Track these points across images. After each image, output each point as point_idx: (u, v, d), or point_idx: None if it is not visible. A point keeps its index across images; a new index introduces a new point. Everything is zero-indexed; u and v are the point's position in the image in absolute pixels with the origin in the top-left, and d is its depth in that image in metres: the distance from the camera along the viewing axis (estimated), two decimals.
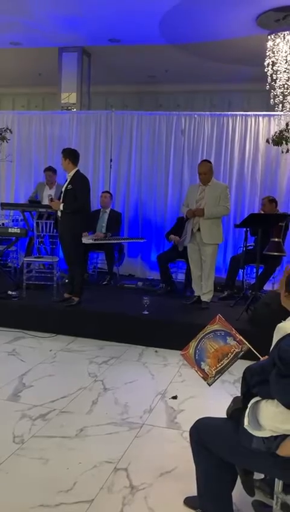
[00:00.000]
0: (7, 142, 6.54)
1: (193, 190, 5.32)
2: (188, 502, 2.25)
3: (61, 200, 5.05)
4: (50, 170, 6.71)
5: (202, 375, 2.11)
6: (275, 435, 1.75)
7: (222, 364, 2.06)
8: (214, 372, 2.07)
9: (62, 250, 5.39)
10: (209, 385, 2.09)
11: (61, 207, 5.02)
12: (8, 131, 6.44)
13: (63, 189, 5.09)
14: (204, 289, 5.25)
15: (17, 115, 7.65)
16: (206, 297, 5.25)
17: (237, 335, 2.09)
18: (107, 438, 2.88)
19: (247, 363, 1.94)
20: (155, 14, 6.67)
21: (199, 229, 5.13)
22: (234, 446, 1.88)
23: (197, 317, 4.85)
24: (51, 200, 5.32)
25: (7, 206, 6.58)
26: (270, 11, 6.31)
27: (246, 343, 2.06)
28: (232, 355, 2.05)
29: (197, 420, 2.09)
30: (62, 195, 5.07)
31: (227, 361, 2.05)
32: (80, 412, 3.19)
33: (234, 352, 2.05)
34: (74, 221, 5.01)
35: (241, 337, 2.08)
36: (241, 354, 2.05)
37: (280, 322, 1.88)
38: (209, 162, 5.35)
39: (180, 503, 2.28)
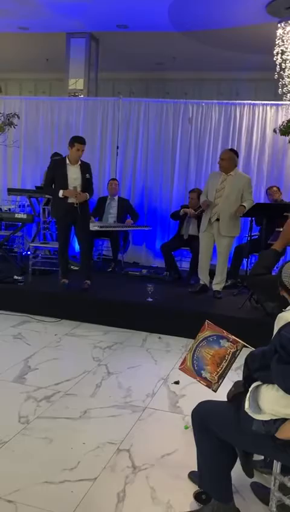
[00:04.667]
0: (14, 127, 6.55)
1: (214, 178, 5.19)
2: (192, 476, 2.34)
3: (80, 190, 5.03)
4: (57, 156, 6.72)
5: (205, 384, 2.12)
6: (274, 418, 1.80)
7: (221, 367, 2.08)
8: (216, 377, 2.09)
9: (79, 238, 5.36)
10: (215, 391, 2.11)
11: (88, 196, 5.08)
12: (16, 116, 6.45)
13: (81, 179, 5.04)
14: (217, 279, 5.24)
15: (24, 100, 7.65)
16: (218, 287, 5.24)
17: (230, 336, 2.10)
18: (111, 420, 2.95)
19: (249, 351, 1.98)
20: (164, 1, 6.62)
21: (217, 219, 5.04)
22: (235, 428, 1.93)
23: (201, 305, 4.91)
24: (77, 193, 5.01)
25: (14, 192, 6.63)
26: None
27: (240, 341, 2.08)
28: (229, 357, 2.07)
29: (199, 403, 2.14)
30: (81, 185, 5.03)
31: (226, 363, 2.07)
32: (84, 395, 3.26)
33: (231, 352, 2.07)
34: (88, 209, 5.26)
35: (234, 337, 2.09)
36: (238, 353, 2.07)
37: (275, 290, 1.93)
38: (233, 151, 5.21)
39: (181, 483, 2.35)
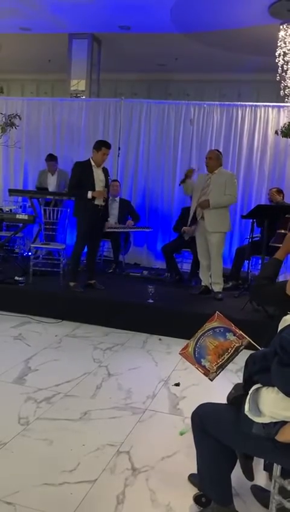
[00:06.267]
0: (16, 128, 6.56)
1: (201, 179, 5.31)
2: (192, 478, 2.33)
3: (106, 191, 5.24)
4: (52, 159, 6.75)
5: (203, 371, 2.11)
6: (274, 421, 1.79)
7: (223, 359, 2.07)
8: (215, 367, 2.08)
9: (94, 239, 5.37)
10: (211, 380, 2.10)
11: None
12: (17, 117, 6.45)
13: (105, 181, 5.23)
14: (214, 279, 5.26)
15: (26, 101, 7.66)
16: (217, 287, 5.25)
17: (237, 330, 2.09)
18: (111, 421, 2.94)
19: (249, 353, 1.97)
20: (166, 2, 6.63)
21: (202, 217, 5.14)
22: (235, 431, 1.92)
23: (202, 306, 4.90)
24: (105, 195, 5.27)
25: (15, 193, 6.63)
26: (283, 0, 6.24)
27: (246, 337, 2.07)
28: (232, 350, 2.06)
29: (199, 405, 2.13)
30: (104, 187, 5.20)
31: (228, 356, 2.06)
32: (84, 396, 3.25)
33: (235, 346, 2.06)
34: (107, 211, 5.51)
35: (241, 332, 2.08)
36: (241, 348, 2.06)
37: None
38: (217, 151, 5.35)
39: (181, 485, 2.34)
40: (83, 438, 2.72)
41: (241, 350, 2.06)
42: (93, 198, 5.08)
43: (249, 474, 2.12)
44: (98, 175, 5.17)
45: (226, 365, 2.07)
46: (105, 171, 5.28)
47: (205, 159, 5.27)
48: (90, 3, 6.84)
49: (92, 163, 5.14)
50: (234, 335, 2.08)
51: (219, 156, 5.24)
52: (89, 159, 5.21)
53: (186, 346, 2.18)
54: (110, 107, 7.19)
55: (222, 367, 2.07)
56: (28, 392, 3.26)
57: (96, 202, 5.11)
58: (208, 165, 5.16)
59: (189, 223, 5.39)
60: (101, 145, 5.13)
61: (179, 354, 2.20)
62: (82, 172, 5.12)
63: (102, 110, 7.22)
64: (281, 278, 5.79)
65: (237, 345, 2.06)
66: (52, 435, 2.72)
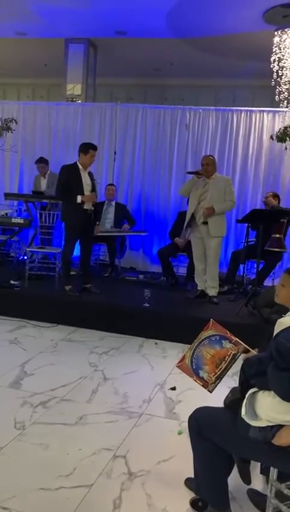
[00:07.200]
0: (12, 132, 6.56)
1: (197, 184, 5.28)
2: (188, 483, 2.32)
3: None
4: (42, 162, 6.76)
5: (201, 384, 2.11)
6: (271, 424, 1.80)
7: (220, 368, 2.07)
8: (213, 378, 2.08)
9: (84, 243, 5.35)
10: (211, 392, 2.10)
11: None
12: (13, 121, 6.45)
13: (91, 184, 5.20)
14: (210, 283, 5.28)
15: (22, 105, 7.66)
16: (213, 291, 5.27)
17: (233, 337, 2.10)
18: (107, 426, 2.94)
19: (245, 357, 1.98)
20: (162, 8, 6.68)
21: (203, 222, 5.14)
22: (232, 435, 1.93)
23: (198, 311, 4.91)
24: (94, 199, 5.25)
25: (11, 196, 6.63)
26: (277, 6, 6.31)
27: (242, 343, 2.08)
28: (229, 358, 2.07)
29: (196, 409, 2.14)
30: (92, 190, 5.19)
31: (225, 364, 2.07)
32: (80, 401, 3.25)
33: (231, 354, 2.07)
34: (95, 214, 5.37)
35: (236, 339, 2.09)
36: (238, 355, 2.07)
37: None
38: (212, 157, 5.37)
39: (177, 490, 2.33)
40: (79, 442, 2.71)
41: (239, 357, 2.06)
42: (83, 202, 5.05)
43: (246, 478, 2.12)
44: (86, 179, 5.14)
45: (225, 374, 2.07)
46: (90, 175, 5.26)
47: (201, 165, 5.26)
48: (87, 8, 6.87)
49: (80, 167, 5.10)
50: (230, 342, 2.08)
51: (215, 162, 5.28)
52: (75, 163, 5.15)
53: (183, 358, 2.18)
54: (106, 111, 7.21)
55: (220, 377, 2.07)
56: (24, 396, 3.25)
57: (85, 206, 5.08)
58: (207, 171, 5.16)
59: (185, 225, 5.39)
60: (88, 148, 5.08)
61: (177, 366, 2.20)
62: (70, 175, 5.08)
63: (98, 114, 7.24)
64: (268, 282, 5.88)
65: (233, 352, 2.07)
66: (48, 440, 2.71)
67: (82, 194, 5.05)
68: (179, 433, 2.84)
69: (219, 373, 2.07)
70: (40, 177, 6.86)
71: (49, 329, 4.77)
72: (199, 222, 5.18)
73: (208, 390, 2.10)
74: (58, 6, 6.86)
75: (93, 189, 5.26)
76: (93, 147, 5.14)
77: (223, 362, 2.07)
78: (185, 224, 5.36)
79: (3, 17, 7.38)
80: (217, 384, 2.08)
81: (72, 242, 5.23)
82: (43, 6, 6.88)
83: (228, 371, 2.08)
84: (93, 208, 5.20)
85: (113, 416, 3.06)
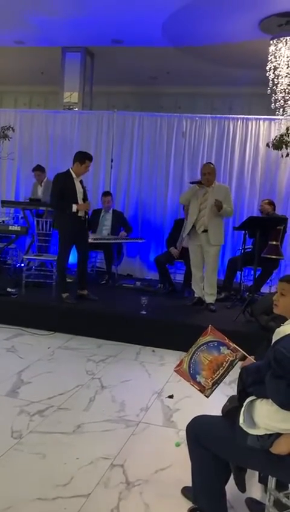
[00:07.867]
0: (9, 140, 6.57)
1: (196, 193, 5.27)
2: (185, 492, 2.31)
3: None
4: (38, 169, 6.77)
5: (198, 388, 2.11)
6: (269, 433, 1.80)
7: (218, 374, 2.07)
8: (210, 383, 2.08)
9: (80, 250, 5.34)
10: (207, 397, 2.10)
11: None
12: (10, 129, 6.47)
13: (83, 192, 5.21)
14: (208, 290, 5.27)
15: (19, 113, 7.69)
16: (211, 299, 5.27)
17: (231, 343, 2.10)
18: (104, 434, 2.93)
19: (243, 365, 1.98)
20: (158, 17, 6.73)
21: (204, 231, 5.14)
22: (229, 443, 1.92)
23: (195, 318, 4.90)
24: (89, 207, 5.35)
25: (8, 204, 6.63)
26: (273, 16, 6.38)
27: (240, 350, 2.08)
28: (227, 364, 2.07)
29: (194, 418, 2.13)
30: (84, 197, 5.20)
31: (223, 370, 2.07)
32: (77, 409, 3.23)
33: (229, 360, 2.07)
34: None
35: (234, 345, 2.09)
36: (236, 361, 2.07)
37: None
38: (213, 165, 5.38)
39: (175, 499, 2.32)
40: (76, 451, 2.69)
41: (236, 363, 2.06)
42: (77, 211, 5.08)
43: (241, 485, 2.11)
44: (78, 187, 5.16)
45: (222, 380, 2.07)
46: (81, 183, 5.27)
47: (201, 174, 5.24)
48: (83, 17, 6.92)
49: (73, 175, 5.11)
50: (228, 348, 2.08)
51: (215, 170, 5.30)
52: (68, 170, 5.14)
53: (180, 363, 2.18)
54: (102, 119, 7.24)
55: (217, 383, 2.07)
56: (21, 405, 3.23)
57: (79, 214, 5.11)
58: (208, 180, 5.16)
59: (185, 234, 5.40)
60: (85, 158, 5.09)
61: (174, 371, 2.20)
62: (64, 184, 5.08)
63: (95, 122, 7.27)
64: (265, 289, 5.88)
65: (231, 358, 2.07)
66: (45, 449, 2.69)
67: (76, 202, 5.06)
68: (177, 444, 2.82)
69: (216, 378, 2.07)
70: (37, 185, 6.88)
71: (46, 337, 4.75)
72: (199, 231, 5.17)
73: (205, 395, 2.10)
74: (55, 16, 6.91)
75: (85, 197, 5.26)
76: (90, 158, 5.15)
77: (221, 368, 2.07)
78: (185, 233, 5.36)
79: (0, 26, 7.42)
80: (214, 389, 2.08)
81: (66, 249, 5.22)
82: (40, 15, 6.93)
83: (225, 377, 2.08)
84: (86, 216, 5.23)
85: (111, 424, 3.05)
